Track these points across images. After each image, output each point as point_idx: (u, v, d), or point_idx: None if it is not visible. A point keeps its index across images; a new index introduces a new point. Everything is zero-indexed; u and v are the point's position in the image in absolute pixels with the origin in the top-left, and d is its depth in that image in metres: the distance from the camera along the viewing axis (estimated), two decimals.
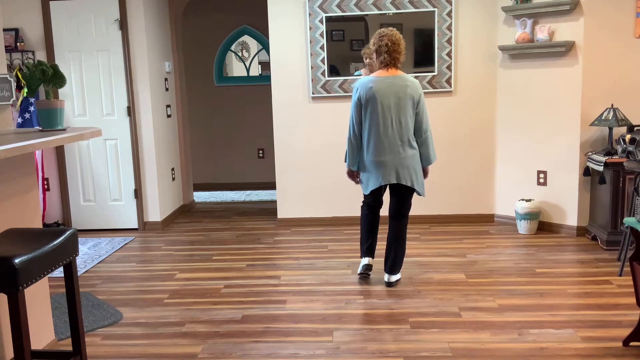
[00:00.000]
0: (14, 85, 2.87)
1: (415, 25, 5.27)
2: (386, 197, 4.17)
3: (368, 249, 4.02)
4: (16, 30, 5.44)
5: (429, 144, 3.76)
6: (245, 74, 7.71)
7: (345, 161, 3.90)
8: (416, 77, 5.30)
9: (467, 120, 5.39)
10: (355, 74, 5.35)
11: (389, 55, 3.65)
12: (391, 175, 3.68)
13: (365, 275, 4.00)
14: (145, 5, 5.44)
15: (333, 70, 5.40)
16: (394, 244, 3.84)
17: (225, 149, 7.81)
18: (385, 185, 3.86)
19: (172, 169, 6.14)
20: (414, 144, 3.71)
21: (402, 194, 3.80)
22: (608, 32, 4.65)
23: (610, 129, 4.57)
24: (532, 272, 4.09)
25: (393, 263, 3.85)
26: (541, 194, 5.11)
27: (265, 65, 7.63)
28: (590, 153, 4.71)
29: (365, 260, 4.01)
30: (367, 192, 3.84)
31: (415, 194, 4.03)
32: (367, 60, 4.55)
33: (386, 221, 4.03)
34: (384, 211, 4.16)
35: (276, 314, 3.51)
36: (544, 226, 5.12)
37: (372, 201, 3.96)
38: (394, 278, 3.87)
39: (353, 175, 3.92)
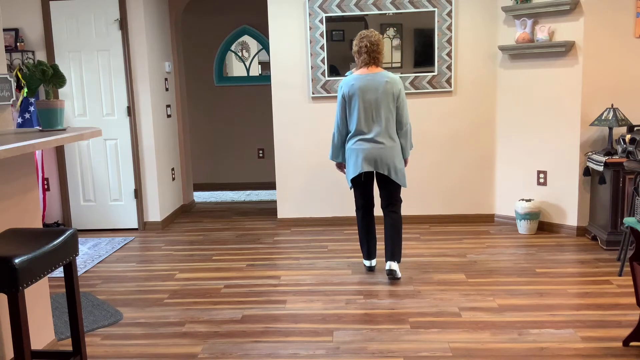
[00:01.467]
0: (14, 85, 2.87)
1: (415, 25, 5.27)
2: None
3: (369, 252, 4.19)
4: (16, 30, 5.44)
5: (408, 136, 3.95)
6: (245, 74, 7.70)
7: (330, 155, 4.10)
8: (416, 77, 5.31)
9: (467, 120, 5.39)
10: (346, 74, 5.33)
11: (368, 55, 3.87)
12: (370, 164, 3.86)
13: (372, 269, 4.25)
14: (145, 5, 5.44)
15: (333, 70, 5.40)
16: (391, 233, 3.97)
17: (225, 149, 7.81)
18: (371, 181, 4.02)
19: (172, 169, 6.14)
20: (394, 137, 3.90)
21: (386, 185, 3.96)
22: (608, 32, 4.65)
23: (610, 129, 4.57)
24: (532, 272, 4.09)
25: (393, 250, 3.95)
26: (541, 194, 5.11)
27: (265, 65, 7.63)
28: (590, 153, 4.71)
29: (369, 263, 4.21)
30: (349, 182, 4.00)
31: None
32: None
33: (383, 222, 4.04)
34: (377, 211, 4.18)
35: (276, 314, 3.51)
36: (544, 226, 5.12)
37: (360, 198, 4.08)
38: (395, 265, 3.94)
39: (341, 167, 4.12)
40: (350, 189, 4.10)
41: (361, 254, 4.57)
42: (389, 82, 3.83)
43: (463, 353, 2.93)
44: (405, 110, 3.90)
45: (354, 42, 3.96)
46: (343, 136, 3.99)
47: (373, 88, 3.82)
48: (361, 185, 4.03)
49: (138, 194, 5.62)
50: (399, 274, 3.97)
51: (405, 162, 4.03)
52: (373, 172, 3.98)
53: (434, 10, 5.23)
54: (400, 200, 4.01)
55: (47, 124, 2.76)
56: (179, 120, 6.39)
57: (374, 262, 4.20)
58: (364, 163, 3.86)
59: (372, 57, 3.87)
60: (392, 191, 3.98)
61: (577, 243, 4.74)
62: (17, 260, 1.98)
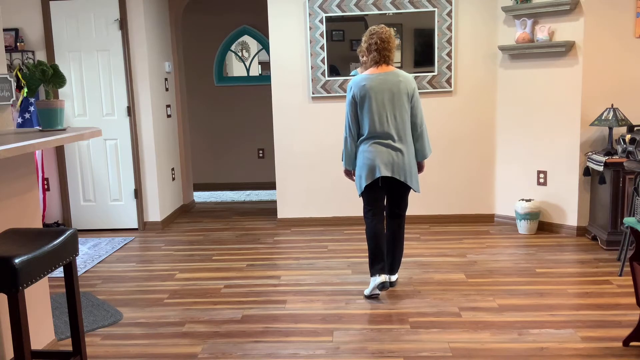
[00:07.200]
0: (14, 85, 2.87)
1: (415, 25, 5.27)
2: None
3: (381, 264, 3.68)
4: (16, 30, 5.44)
5: (424, 138, 3.71)
6: (245, 74, 7.71)
7: (342, 160, 3.82)
8: (416, 77, 5.30)
9: (467, 120, 5.39)
10: (352, 73, 5.34)
11: (378, 53, 3.62)
12: (387, 169, 3.58)
13: (377, 295, 3.72)
14: (145, 5, 5.44)
15: (333, 70, 5.40)
16: (394, 244, 3.78)
17: (225, 149, 7.81)
18: (385, 185, 3.72)
19: (172, 169, 6.14)
20: (409, 140, 3.66)
21: (398, 191, 3.72)
22: (608, 32, 4.65)
23: (610, 129, 4.57)
24: (532, 272, 4.09)
25: (393, 263, 3.80)
26: (541, 194, 5.11)
27: (265, 65, 7.63)
28: (590, 153, 4.71)
29: (381, 278, 3.64)
30: (362, 189, 3.68)
31: (412, 190, 3.96)
32: (364, 59, 4.56)
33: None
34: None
35: (276, 314, 3.51)
36: (544, 226, 5.12)
37: (374, 203, 3.73)
38: (394, 278, 3.86)
39: (350, 174, 3.83)
40: (360, 196, 3.74)
41: (359, 255, 4.57)
42: (402, 81, 3.60)
43: (463, 353, 2.93)
44: (420, 111, 3.66)
45: (363, 39, 3.70)
46: (356, 139, 3.69)
47: (386, 88, 3.57)
48: (376, 190, 3.69)
49: (138, 194, 5.62)
50: (397, 276, 3.90)
51: (421, 166, 3.78)
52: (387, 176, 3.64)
53: (434, 11, 5.23)
54: (407, 205, 3.81)
55: (47, 124, 2.76)
56: (179, 120, 6.39)
57: (384, 277, 3.64)
58: (382, 167, 3.57)
59: (383, 55, 3.61)
60: (403, 196, 3.74)
61: (577, 243, 4.74)
62: (17, 260, 1.98)
